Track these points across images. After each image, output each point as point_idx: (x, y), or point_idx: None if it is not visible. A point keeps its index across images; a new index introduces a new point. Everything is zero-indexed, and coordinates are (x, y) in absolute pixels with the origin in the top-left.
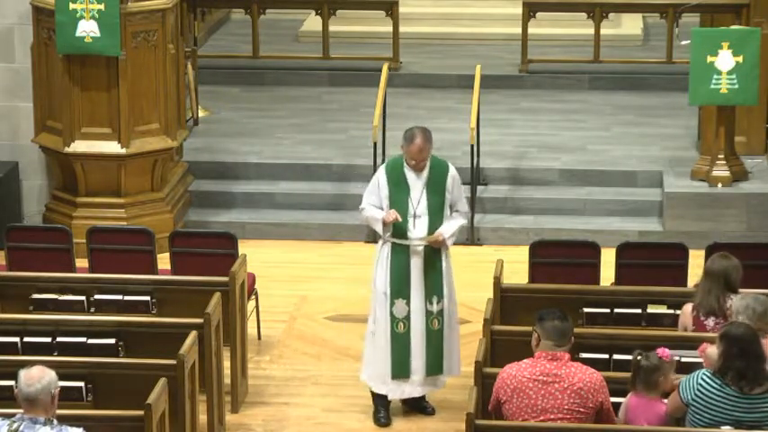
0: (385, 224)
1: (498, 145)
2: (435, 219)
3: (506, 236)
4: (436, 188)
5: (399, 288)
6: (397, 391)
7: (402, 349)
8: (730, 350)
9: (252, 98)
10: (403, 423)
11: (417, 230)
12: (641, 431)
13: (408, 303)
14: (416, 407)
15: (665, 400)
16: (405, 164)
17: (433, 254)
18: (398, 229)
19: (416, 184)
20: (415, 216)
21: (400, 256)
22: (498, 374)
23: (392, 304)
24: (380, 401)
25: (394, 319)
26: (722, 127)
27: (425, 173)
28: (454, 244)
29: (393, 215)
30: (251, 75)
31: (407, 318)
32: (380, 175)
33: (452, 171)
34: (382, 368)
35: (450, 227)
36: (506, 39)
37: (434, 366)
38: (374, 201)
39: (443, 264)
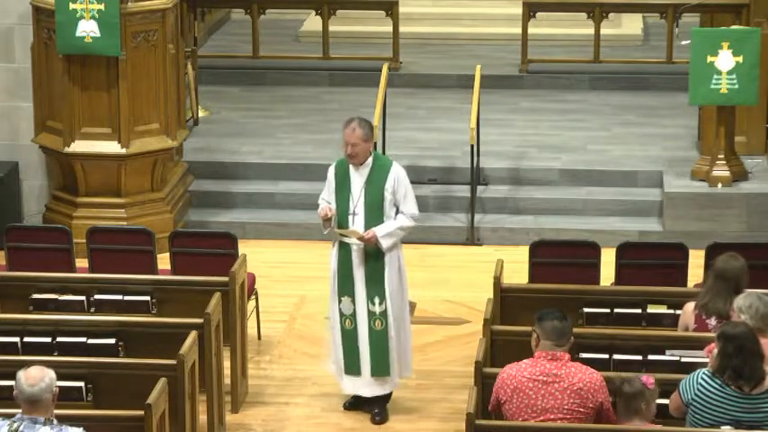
0: (323, 219)
1: (498, 145)
2: (372, 217)
3: (506, 236)
4: (375, 186)
5: (344, 285)
6: (350, 387)
7: (352, 345)
8: (727, 349)
9: (252, 98)
10: (401, 423)
11: (354, 228)
12: (642, 431)
13: (354, 301)
14: (367, 407)
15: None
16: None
17: (375, 254)
18: (339, 226)
19: (357, 182)
20: (353, 214)
21: (344, 253)
22: (498, 374)
23: (339, 301)
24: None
25: (342, 316)
26: (722, 127)
27: (366, 170)
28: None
29: (324, 210)
30: (251, 75)
31: (354, 315)
32: (330, 171)
33: (396, 170)
34: (338, 363)
35: (386, 226)
36: (506, 39)
37: (380, 368)
38: (326, 196)
39: (386, 264)
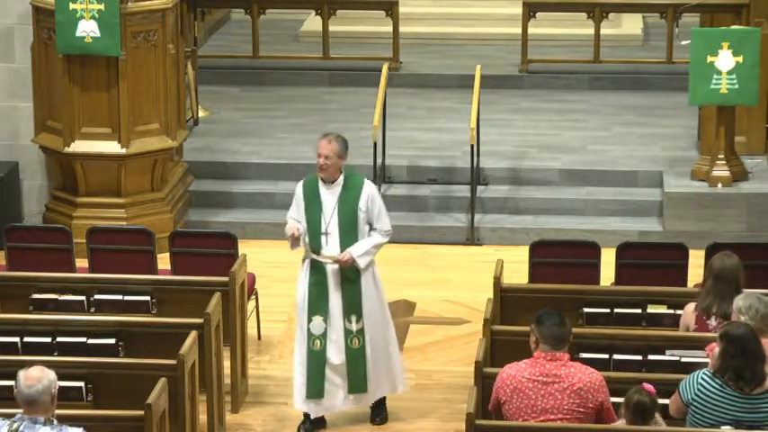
0: (292, 238)
1: (498, 145)
2: (347, 237)
3: (506, 236)
4: (347, 205)
5: (317, 305)
6: (319, 410)
7: (317, 368)
8: (728, 350)
9: (252, 98)
10: (401, 424)
11: (329, 249)
12: (642, 431)
13: (326, 321)
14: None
15: None
16: (319, 179)
17: (350, 271)
18: (313, 246)
19: (328, 201)
20: (326, 233)
21: (318, 272)
22: (498, 375)
23: (309, 320)
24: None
25: (311, 336)
26: (722, 127)
27: (338, 189)
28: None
29: (292, 228)
30: (251, 75)
31: (324, 335)
32: (298, 190)
33: (368, 188)
34: (298, 386)
35: (362, 246)
36: (506, 39)
37: (357, 385)
38: (295, 215)
39: (362, 282)
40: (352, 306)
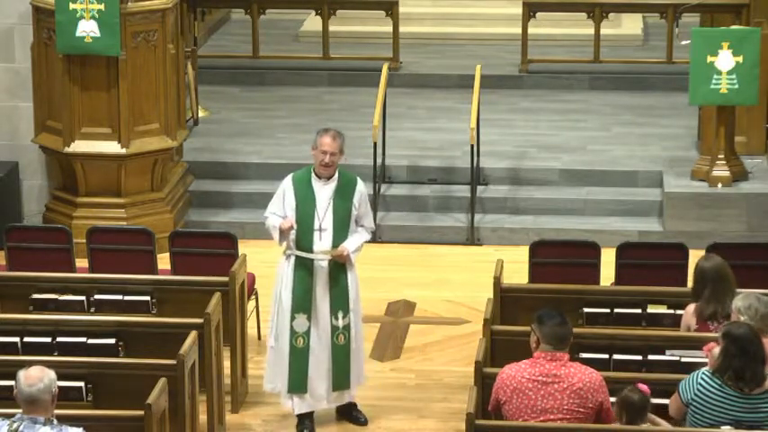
0: (281, 232)
1: (498, 145)
2: (340, 233)
3: (506, 236)
4: (343, 202)
5: (301, 302)
6: (303, 406)
7: (299, 364)
8: (729, 349)
9: (252, 98)
10: (401, 423)
11: (322, 244)
12: (642, 431)
13: (309, 318)
14: (348, 416)
15: None
16: (312, 175)
17: (337, 268)
18: (303, 243)
19: (323, 197)
20: (320, 229)
21: (303, 269)
22: (497, 375)
23: (293, 318)
24: (301, 414)
25: (294, 334)
26: (722, 127)
27: (333, 186)
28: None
29: (288, 223)
30: (251, 75)
31: (307, 333)
32: (286, 185)
33: (361, 186)
34: (281, 383)
35: (355, 241)
36: (506, 39)
37: (340, 382)
38: (278, 210)
39: (348, 278)
40: (341, 302)
